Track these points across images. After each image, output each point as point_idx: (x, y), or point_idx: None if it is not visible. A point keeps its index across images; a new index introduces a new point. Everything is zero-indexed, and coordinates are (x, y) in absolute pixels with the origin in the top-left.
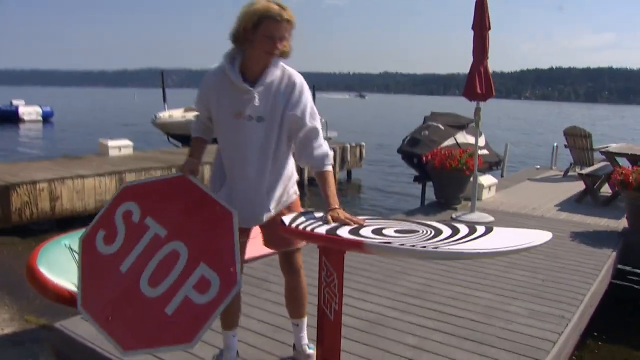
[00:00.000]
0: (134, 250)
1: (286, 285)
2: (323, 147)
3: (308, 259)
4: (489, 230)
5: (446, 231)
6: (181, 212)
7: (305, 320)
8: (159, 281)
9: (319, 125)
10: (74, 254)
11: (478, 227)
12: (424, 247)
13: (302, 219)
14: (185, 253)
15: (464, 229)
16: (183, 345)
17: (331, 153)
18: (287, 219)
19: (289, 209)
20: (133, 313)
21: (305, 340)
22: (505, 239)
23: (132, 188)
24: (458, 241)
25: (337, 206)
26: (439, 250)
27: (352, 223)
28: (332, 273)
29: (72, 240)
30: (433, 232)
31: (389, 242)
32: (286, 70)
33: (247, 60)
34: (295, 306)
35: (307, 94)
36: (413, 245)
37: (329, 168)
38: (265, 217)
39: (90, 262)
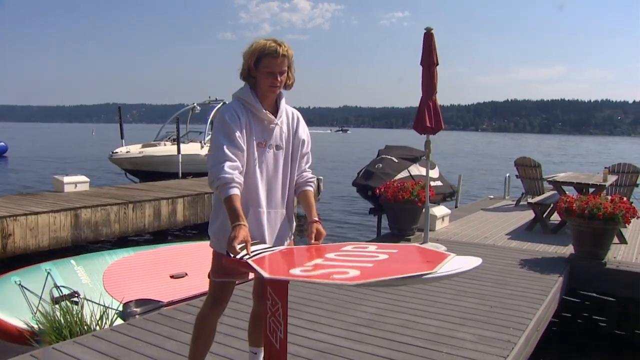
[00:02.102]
0: None
1: (254, 313)
2: (311, 171)
3: None
4: None
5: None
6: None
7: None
8: None
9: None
10: (25, 290)
11: None
12: None
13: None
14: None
15: None
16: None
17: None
18: None
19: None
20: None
21: None
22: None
23: None
24: None
25: (317, 219)
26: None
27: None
28: (277, 302)
29: (22, 277)
30: None
31: None
32: (292, 109)
33: (259, 96)
34: (259, 334)
35: None
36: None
37: (312, 187)
38: (287, 242)
39: None
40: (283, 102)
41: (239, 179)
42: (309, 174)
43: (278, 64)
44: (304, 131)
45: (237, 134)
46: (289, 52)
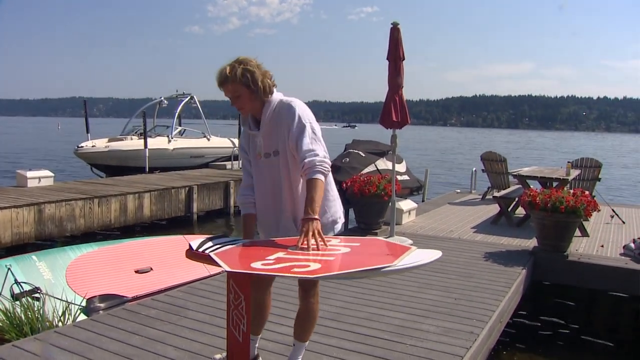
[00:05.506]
0: None
1: (298, 307)
2: (311, 157)
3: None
4: None
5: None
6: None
7: (304, 345)
8: None
9: (308, 140)
10: None
11: None
12: None
13: (210, 243)
14: None
15: None
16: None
17: (321, 163)
18: (194, 243)
19: None
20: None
21: None
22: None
23: None
24: None
25: (311, 216)
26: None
27: (311, 243)
28: (240, 295)
29: None
30: None
31: None
32: (283, 102)
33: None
34: (296, 327)
35: (300, 113)
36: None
37: (316, 176)
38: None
39: None
40: (263, 111)
41: (248, 198)
42: (306, 160)
43: (227, 91)
44: (287, 120)
45: (244, 157)
46: (229, 76)
